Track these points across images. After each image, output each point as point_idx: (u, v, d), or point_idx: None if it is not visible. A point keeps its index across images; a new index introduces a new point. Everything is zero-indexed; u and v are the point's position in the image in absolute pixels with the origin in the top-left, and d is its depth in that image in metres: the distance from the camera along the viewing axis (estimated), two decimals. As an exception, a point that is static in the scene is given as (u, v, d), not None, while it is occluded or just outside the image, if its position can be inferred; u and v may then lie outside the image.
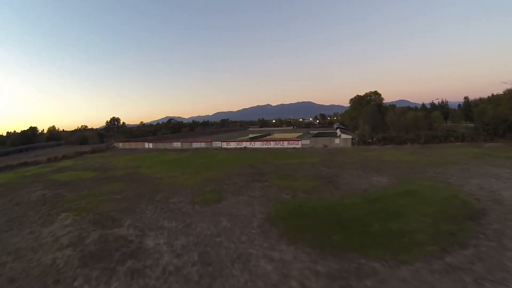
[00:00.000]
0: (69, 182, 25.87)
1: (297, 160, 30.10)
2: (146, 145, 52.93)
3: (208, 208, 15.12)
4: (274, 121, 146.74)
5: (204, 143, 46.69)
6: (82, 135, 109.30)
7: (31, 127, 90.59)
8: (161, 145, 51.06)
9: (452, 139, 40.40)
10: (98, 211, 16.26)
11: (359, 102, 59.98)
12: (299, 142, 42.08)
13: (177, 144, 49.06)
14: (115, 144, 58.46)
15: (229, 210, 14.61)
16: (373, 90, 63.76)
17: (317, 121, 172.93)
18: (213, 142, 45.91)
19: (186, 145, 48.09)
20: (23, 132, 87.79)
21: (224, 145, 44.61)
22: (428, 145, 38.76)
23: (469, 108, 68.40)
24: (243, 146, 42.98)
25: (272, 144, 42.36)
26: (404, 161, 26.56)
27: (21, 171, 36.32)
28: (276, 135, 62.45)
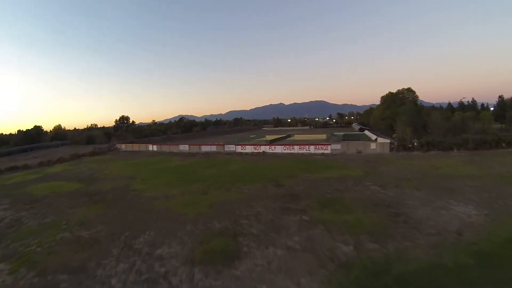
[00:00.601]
0: (42, 199, 20.46)
1: (334, 173, 23.33)
2: (150, 147, 47.27)
3: (217, 279, 8.62)
4: (289, 120, 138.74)
5: (215, 146, 40.40)
6: (89, 135, 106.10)
7: (35, 126, 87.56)
8: (166, 148, 45.23)
9: (503, 144, 33.69)
10: (44, 266, 10.27)
11: (392, 100, 52.24)
12: (329, 146, 35.19)
13: (184, 147, 43.05)
14: (118, 146, 53.28)
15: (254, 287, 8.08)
16: (406, 87, 55.80)
17: (334, 120, 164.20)
18: (225, 145, 39.54)
19: (194, 148, 42.01)
20: (26, 131, 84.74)
21: (239, 149, 38.17)
22: (477, 151, 32.40)
23: (505, 108, 60.57)
24: (261, 151, 36.40)
25: (296, 149, 35.59)
26: (470, 176, 20.14)
27: (5, 178, 31.47)
28: (297, 137, 55.44)
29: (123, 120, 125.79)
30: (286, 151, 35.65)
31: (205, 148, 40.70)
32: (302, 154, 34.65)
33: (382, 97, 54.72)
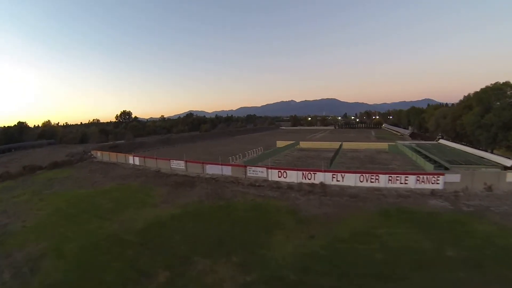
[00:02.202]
0: None
1: None
2: (131, 159, 30.90)
3: None
4: (309, 118, 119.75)
5: (230, 167, 23.33)
6: (84, 132, 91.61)
7: (19, 123, 73.07)
8: (152, 163, 28.49)
9: None
10: None
11: (496, 97, 34.24)
12: (441, 178, 18.07)
13: (178, 165, 26.17)
14: (93, 153, 37.40)
15: None
16: (504, 81, 37.16)
17: (357, 119, 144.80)
18: (248, 168, 22.39)
19: (195, 168, 25.16)
20: (7, 128, 70.47)
21: (274, 175, 20.99)
22: None
23: None
24: (317, 182, 19.27)
25: (382, 181, 18.49)
26: None
27: None
28: (347, 145, 37.58)
29: (125, 115, 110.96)
30: (365, 183, 18.57)
31: (213, 170, 23.88)
32: (397, 191, 17.59)
33: (477, 94, 36.48)
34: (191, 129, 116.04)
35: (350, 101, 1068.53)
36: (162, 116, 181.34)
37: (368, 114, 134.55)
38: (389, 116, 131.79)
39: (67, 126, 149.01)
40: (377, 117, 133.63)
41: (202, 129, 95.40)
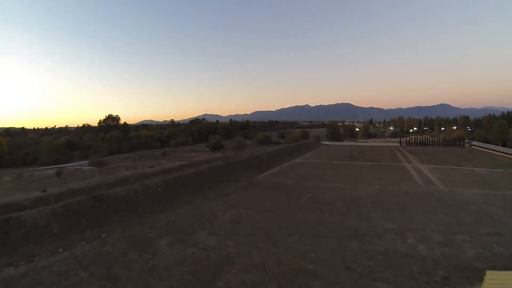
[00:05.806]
0: None
1: None
2: None
3: None
4: (357, 129, 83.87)
5: None
6: (47, 144, 61.32)
7: None
8: None
9: None
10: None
11: None
12: None
13: None
14: None
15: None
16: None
17: (413, 128, 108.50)
18: None
19: None
20: None
21: None
22: None
23: None
24: None
25: None
26: None
27: None
28: None
29: (111, 121, 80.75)
30: None
31: None
32: None
33: None
34: (197, 139, 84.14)
35: (365, 106, 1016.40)
36: (172, 120, 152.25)
37: (438, 123, 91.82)
38: (454, 127, 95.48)
39: (55, 132, 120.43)
40: (443, 128, 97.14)
41: (211, 143, 62.69)
